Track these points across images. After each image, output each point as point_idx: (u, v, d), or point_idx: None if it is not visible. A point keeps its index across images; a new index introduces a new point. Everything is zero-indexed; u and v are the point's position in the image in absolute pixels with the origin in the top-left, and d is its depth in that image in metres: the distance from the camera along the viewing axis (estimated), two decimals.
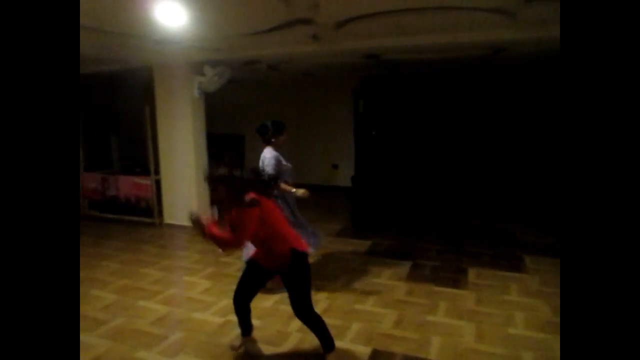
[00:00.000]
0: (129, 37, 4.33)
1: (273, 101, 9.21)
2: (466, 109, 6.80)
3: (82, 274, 4.43)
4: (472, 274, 4.34)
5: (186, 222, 6.13)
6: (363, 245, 5.36)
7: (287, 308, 3.60)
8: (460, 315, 3.47)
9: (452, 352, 2.93)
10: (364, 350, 2.99)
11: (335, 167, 8.92)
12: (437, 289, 3.99)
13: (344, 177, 8.22)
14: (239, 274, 4.36)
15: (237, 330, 3.24)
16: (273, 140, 3.93)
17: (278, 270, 2.73)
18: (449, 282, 4.13)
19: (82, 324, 3.38)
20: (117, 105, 9.02)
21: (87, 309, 3.63)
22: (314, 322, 2.73)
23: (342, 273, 4.43)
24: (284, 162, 3.94)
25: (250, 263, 2.91)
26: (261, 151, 3.96)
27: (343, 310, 3.60)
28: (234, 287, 4.02)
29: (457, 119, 6.82)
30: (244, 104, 9.22)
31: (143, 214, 6.53)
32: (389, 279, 4.26)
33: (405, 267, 4.52)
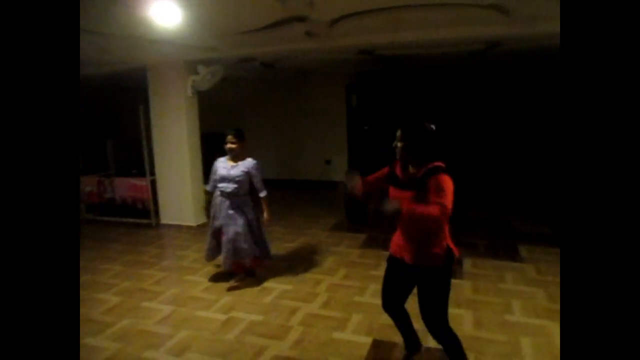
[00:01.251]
0: (124, 38, 4.34)
1: (267, 98, 9.24)
2: (460, 103, 6.87)
3: (85, 278, 4.46)
4: (467, 263, 4.43)
5: (183, 222, 6.23)
6: (359, 238, 5.43)
7: (289, 302, 3.70)
8: (459, 303, 3.54)
9: None
10: (365, 340, 3.06)
11: (328, 162, 8.97)
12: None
13: (338, 172, 8.27)
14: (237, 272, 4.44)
15: (241, 326, 3.32)
16: None
17: (416, 268, 2.32)
18: None
19: (89, 327, 3.41)
20: (112, 107, 8.99)
21: (93, 313, 3.66)
22: (447, 339, 2.37)
23: (340, 266, 4.50)
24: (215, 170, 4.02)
25: (389, 259, 2.52)
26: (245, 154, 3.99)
27: (343, 303, 3.67)
28: (234, 284, 4.11)
29: (451, 112, 6.89)
30: (238, 102, 9.23)
31: (140, 216, 6.54)
32: None
33: None
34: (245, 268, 4.14)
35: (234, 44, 5.01)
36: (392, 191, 2.37)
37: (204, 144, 6.48)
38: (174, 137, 6.20)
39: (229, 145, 3.86)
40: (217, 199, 3.98)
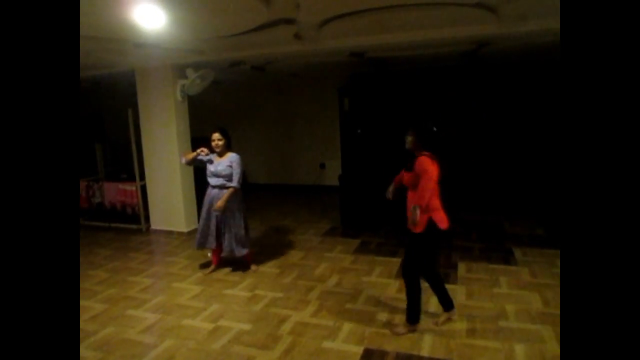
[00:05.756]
0: (109, 41, 4.25)
1: (258, 102, 9.17)
2: (452, 104, 6.82)
3: None
4: (462, 268, 4.36)
5: (174, 228, 6.13)
6: (352, 243, 5.36)
7: (279, 311, 3.61)
8: None
9: (445, 348, 2.94)
10: (356, 350, 2.97)
11: (322, 166, 8.90)
12: (428, 285, 3.99)
13: (333, 176, 8.20)
14: (228, 277, 4.36)
15: (229, 336, 3.22)
16: None
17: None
18: None
19: None
20: (100, 110, 8.90)
21: None
22: (414, 288, 3.17)
23: (333, 272, 4.42)
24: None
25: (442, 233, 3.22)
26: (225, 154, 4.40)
27: (335, 311, 3.58)
28: (224, 291, 4.02)
29: (443, 114, 6.84)
30: (230, 106, 9.15)
31: (130, 221, 6.44)
32: (379, 277, 4.25)
33: (395, 265, 4.51)
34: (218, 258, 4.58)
35: (222, 47, 4.93)
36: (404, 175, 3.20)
37: (195, 148, 6.37)
38: (164, 141, 6.10)
39: (215, 142, 4.29)
40: (213, 191, 4.34)
